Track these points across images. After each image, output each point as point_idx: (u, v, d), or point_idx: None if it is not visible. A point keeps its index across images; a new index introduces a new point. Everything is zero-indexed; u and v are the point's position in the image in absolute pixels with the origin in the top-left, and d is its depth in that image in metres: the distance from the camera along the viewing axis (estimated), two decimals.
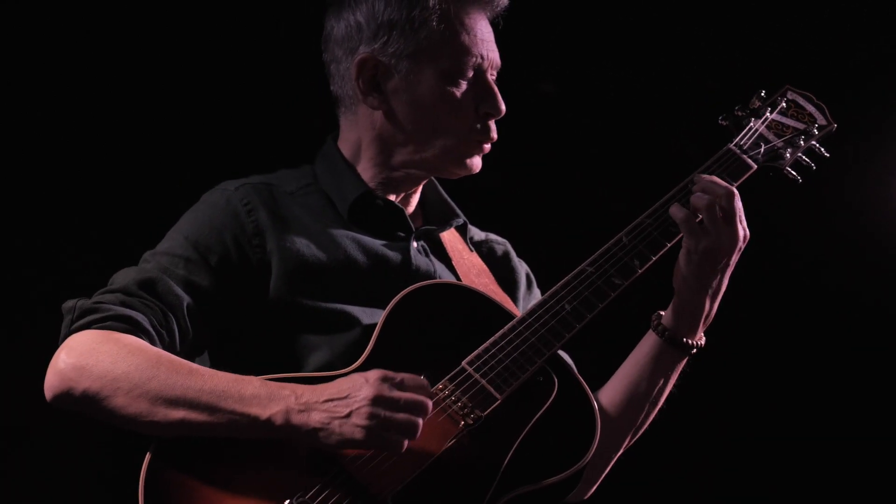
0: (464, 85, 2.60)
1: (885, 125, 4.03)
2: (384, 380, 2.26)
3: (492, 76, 2.64)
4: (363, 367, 2.38)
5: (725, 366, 4.01)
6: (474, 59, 2.59)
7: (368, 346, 2.42)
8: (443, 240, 2.72)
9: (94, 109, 3.73)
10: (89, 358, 2.31)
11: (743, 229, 2.54)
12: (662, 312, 2.62)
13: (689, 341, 2.59)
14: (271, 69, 3.81)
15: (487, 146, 2.65)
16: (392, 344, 2.43)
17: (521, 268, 2.85)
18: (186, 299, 2.44)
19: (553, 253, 3.24)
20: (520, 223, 3.68)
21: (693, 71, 4.13)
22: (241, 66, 3.82)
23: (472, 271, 2.69)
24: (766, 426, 4.35)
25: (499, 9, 2.65)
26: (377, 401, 2.24)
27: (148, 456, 2.29)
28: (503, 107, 2.62)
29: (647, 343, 2.63)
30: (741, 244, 2.54)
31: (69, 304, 2.41)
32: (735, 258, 2.56)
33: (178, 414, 2.28)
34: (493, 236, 2.87)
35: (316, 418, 2.25)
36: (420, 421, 2.26)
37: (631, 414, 2.64)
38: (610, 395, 2.65)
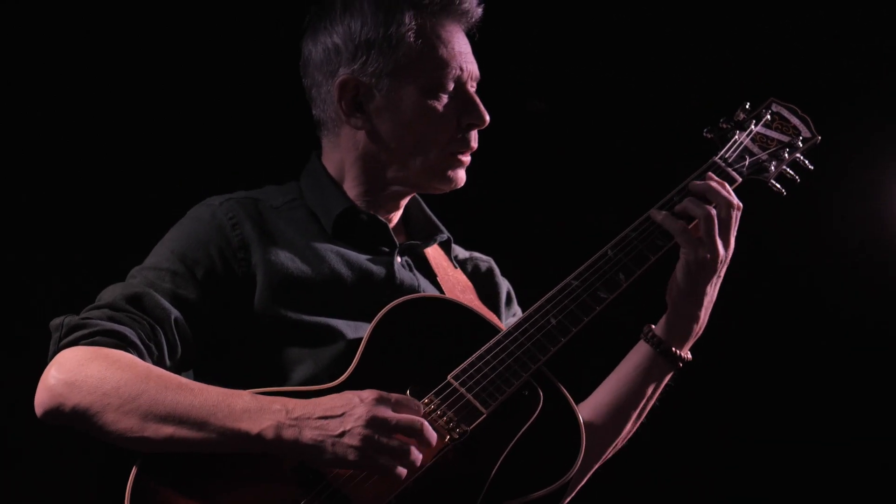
0: (445, 98, 2.61)
1: (874, 134, 4.05)
2: (380, 400, 2.27)
3: (472, 87, 2.65)
4: (349, 381, 2.39)
5: (715, 373, 4.02)
6: (454, 71, 2.60)
7: (354, 360, 2.42)
8: (427, 256, 2.73)
9: (83, 127, 3.74)
10: (79, 374, 2.30)
11: (732, 243, 2.57)
12: (654, 325, 2.64)
13: (680, 353, 2.61)
14: (259, 88, 3.82)
15: (467, 158, 2.65)
16: (378, 357, 2.43)
17: (503, 284, 2.86)
18: (174, 313, 2.44)
19: (537, 267, 3.26)
20: (504, 238, 3.71)
21: (678, 83, 4.16)
22: (229, 85, 3.83)
23: (457, 287, 2.70)
24: (758, 431, 4.37)
25: (474, 20, 2.66)
26: (371, 422, 2.24)
27: (134, 470, 2.29)
28: (487, 116, 2.63)
29: (638, 354, 2.64)
30: (729, 256, 2.57)
31: (57, 321, 2.41)
32: (724, 270, 2.58)
33: (168, 430, 2.28)
34: (477, 254, 2.88)
35: (308, 435, 2.25)
36: (412, 447, 2.25)
37: (615, 425, 2.64)
38: (595, 405, 2.65)
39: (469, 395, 2.39)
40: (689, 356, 2.63)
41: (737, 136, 2.74)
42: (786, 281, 4.32)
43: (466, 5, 2.62)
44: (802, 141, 2.77)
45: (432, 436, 2.29)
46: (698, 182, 2.58)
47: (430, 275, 2.70)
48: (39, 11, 3.67)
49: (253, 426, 2.26)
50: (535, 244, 4.10)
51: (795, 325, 4.34)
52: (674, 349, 2.60)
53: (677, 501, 4.40)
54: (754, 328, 4.33)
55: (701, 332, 2.63)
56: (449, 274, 2.72)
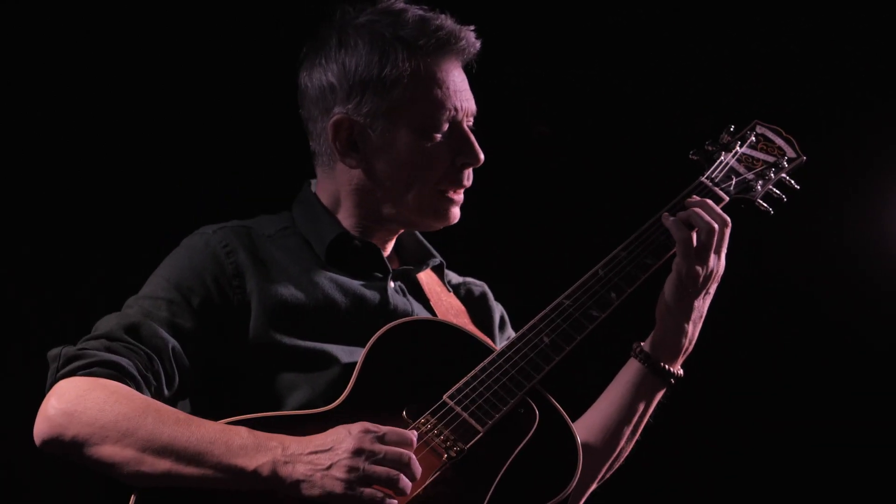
0: (439, 138, 2.61)
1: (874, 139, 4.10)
2: (366, 432, 2.27)
3: (468, 123, 2.66)
4: (345, 404, 2.41)
5: (715, 383, 4.06)
6: (448, 112, 2.61)
7: (350, 383, 2.44)
8: (420, 281, 2.75)
9: (84, 148, 3.77)
10: (77, 405, 2.31)
11: (723, 263, 2.61)
12: (642, 343, 2.66)
13: (671, 369, 2.63)
14: (253, 117, 3.85)
15: (460, 196, 2.67)
16: (373, 379, 2.45)
17: (497, 308, 2.88)
18: (171, 342, 2.46)
19: (534, 288, 3.27)
20: (498, 258, 3.73)
21: (664, 105, 4.19)
22: (222, 112, 3.86)
23: (451, 312, 2.72)
24: (756, 442, 4.36)
25: (471, 55, 2.67)
26: (358, 453, 2.24)
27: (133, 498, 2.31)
28: (481, 155, 2.64)
29: (629, 372, 2.66)
30: (720, 274, 2.62)
31: (54, 351, 2.42)
32: (714, 287, 2.62)
33: (165, 464, 2.29)
34: (470, 279, 2.90)
35: (300, 470, 2.25)
36: (403, 478, 2.26)
37: (609, 444, 2.66)
38: (589, 424, 2.67)
39: (465, 414, 2.41)
40: (681, 372, 2.65)
41: (723, 157, 2.78)
42: (785, 290, 4.32)
43: (463, 43, 2.63)
44: (788, 161, 2.81)
45: (417, 470, 2.29)
46: (693, 198, 2.62)
47: (423, 299, 2.72)
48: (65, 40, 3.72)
49: (249, 462, 2.27)
50: (530, 264, 4.12)
51: (795, 335, 4.34)
52: (663, 365, 2.62)
53: None
54: (754, 337, 4.33)
55: (691, 349, 2.65)
56: (442, 298, 2.75)
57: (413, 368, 2.48)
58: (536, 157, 4.18)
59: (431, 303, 2.72)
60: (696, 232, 2.57)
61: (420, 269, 2.75)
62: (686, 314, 2.60)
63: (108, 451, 2.29)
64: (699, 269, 2.57)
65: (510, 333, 2.87)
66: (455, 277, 2.87)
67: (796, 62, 4.15)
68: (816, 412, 4.28)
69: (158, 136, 3.82)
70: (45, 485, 3.55)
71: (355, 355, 2.50)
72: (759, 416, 4.32)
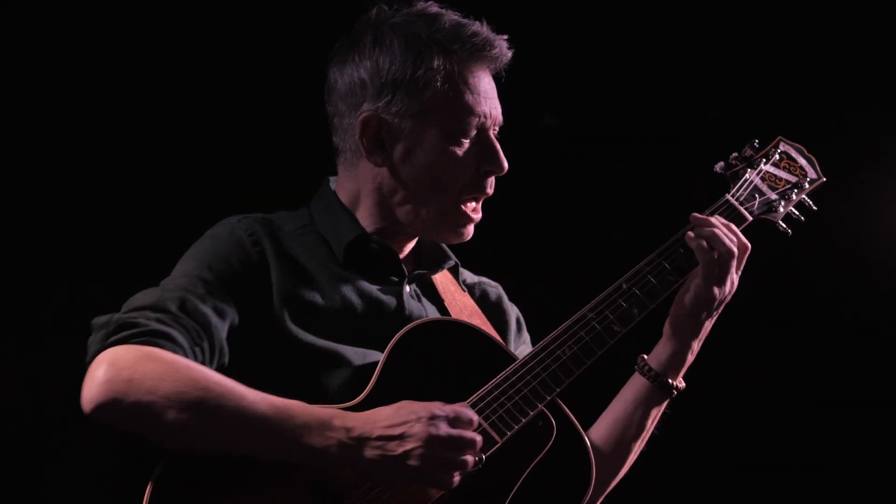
0: (466, 144, 2.61)
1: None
2: (436, 417, 2.30)
3: (494, 132, 2.65)
4: (365, 403, 2.40)
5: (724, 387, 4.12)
6: (478, 118, 2.60)
7: (371, 382, 2.44)
8: (434, 281, 2.74)
9: (105, 144, 3.74)
10: (136, 371, 2.28)
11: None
12: (646, 356, 2.68)
13: (675, 383, 2.66)
14: (273, 115, 3.82)
15: (478, 215, 2.67)
16: (395, 380, 2.45)
17: (512, 311, 2.88)
18: (214, 318, 2.44)
19: (548, 283, 3.28)
20: (515, 254, 3.73)
21: (691, 98, 4.19)
22: (240, 111, 3.82)
23: (464, 312, 2.72)
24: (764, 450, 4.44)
25: (502, 64, 2.66)
26: (430, 441, 2.28)
27: (149, 486, 2.28)
28: (506, 164, 2.64)
29: (635, 388, 2.69)
30: (731, 295, 2.64)
31: (102, 318, 2.38)
32: (721, 308, 2.65)
33: (231, 436, 2.29)
34: (485, 279, 2.90)
35: (369, 454, 2.28)
36: (470, 458, 2.31)
37: (618, 457, 2.69)
38: (597, 437, 2.69)
39: (485, 424, 2.42)
40: (683, 384, 2.69)
41: (748, 175, 2.79)
42: (798, 295, 4.37)
43: (496, 51, 2.62)
44: (809, 182, 2.83)
45: (479, 446, 2.35)
46: (716, 218, 2.64)
47: (438, 300, 2.71)
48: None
49: (317, 441, 2.28)
50: (546, 260, 4.13)
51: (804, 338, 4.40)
52: (669, 380, 2.66)
53: None
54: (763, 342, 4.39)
55: (689, 364, 2.68)
56: (456, 298, 2.74)
57: (433, 371, 2.48)
58: (550, 154, 4.16)
59: (446, 303, 2.71)
60: (718, 255, 2.59)
61: (435, 272, 2.74)
62: (696, 333, 2.64)
63: (170, 421, 2.26)
64: (717, 291, 2.60)
65: (526, 336, 2.88)
66: (470, 276, 2.86)
67: (814, 56, 4.17)
68: (827, 414, 4.36)
69: (176, 132, 3.79)
70: (62, 465, 3.54)
71: (368, 358, 2.51)
72: (769, 419, 4.38)
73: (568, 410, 2.53)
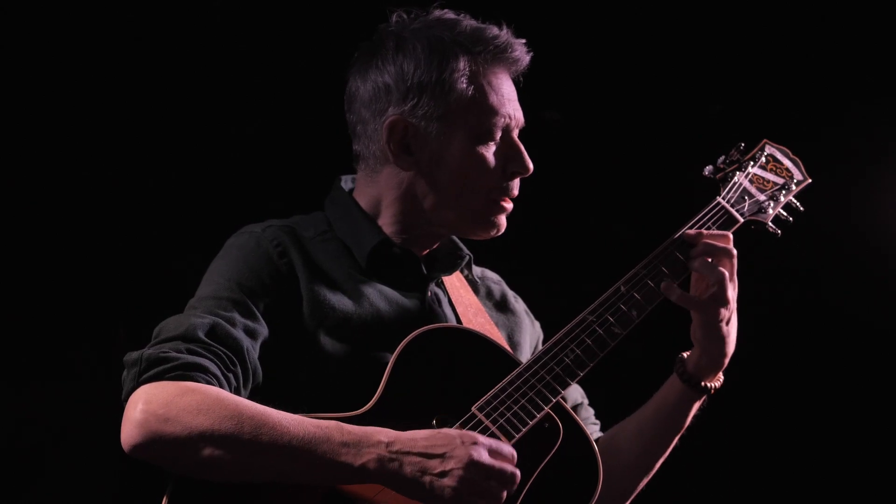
0: (493, 146, 2.63)
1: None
2: (478, 444, 2.32)
3: (517, 134, 2.68)
4: (374, 410, 2.42)
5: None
6: (503, 119, 2.63)
7: (378, 389, 2.45)
8: (443, 280, 2.76)
9: (117, 154, 3.75)
10: (171, 409, 2.28)
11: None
12: (686, 355, 2.70)
13: (709, 384, 2.68)
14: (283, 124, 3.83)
15: (510, 205, 2.69)
16: (403, 386, 2.47)
17: (519, 305, 2.91)
18: (246, 341, 2.44)
19: (550, 278, 3.28)
20: (519, 248, 3.73)
21: (692, 92, 4.22)
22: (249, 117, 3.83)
23: (470, 310, 2.75)
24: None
25: (521, 68, 2.69)
26: (471, 466, 2.29)
27: (165, 500, 2.31)
28: (531, 165, 2.67)
29: (671, 385, 2.71)
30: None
31: (134, 355, 2.38)
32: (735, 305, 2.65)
33: (268, 464, 2.29)
34: (488, 273, 2.93)
35: (408, 470, 2.29)
36: (505, 493, 2.32)
37: (652, 456, 2.72)
38: (633, 433, 2.73)
39: (493, 427, 2.44)
40: (720, 382, 2.70)
41: (737, 178, 2.84)
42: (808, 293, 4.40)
43: (517, 53, 2.65)
44: (796, 183, 2.89)
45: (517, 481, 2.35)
46: (706, 237, 2.64)
47: (449, 301, 2.73)
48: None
49: (355, 459, 2.29)
50: (547, 256, 4.16)
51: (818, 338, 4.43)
52: (705, 383, 2.68)
53: None
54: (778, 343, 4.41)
55: (730, 355, 2.68)
56: (462, 295, 2.77)
57: (441, 377, 2.51)
58: (564, 144, 4.18)
59: (453, 301, 2.74)
60: (721, 265, 2.61)
61: (451, 272, 2.77)
62: (721, 341, 2.64)
63: (208, 455, 2.27)
64: (722, 311, 2.60)
65: (538, 325, 2.92)
66: (474, 269, 2.88)
67: (810, 52, 4.21)
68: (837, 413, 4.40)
69: (184, 139, 3.80)
70: (70, 480, 3.52)
71: None
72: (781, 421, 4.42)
73: (573, 413, 2.57)
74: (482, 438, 2.34)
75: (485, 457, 2.31)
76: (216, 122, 3.80)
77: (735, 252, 2.64)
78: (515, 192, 2.70)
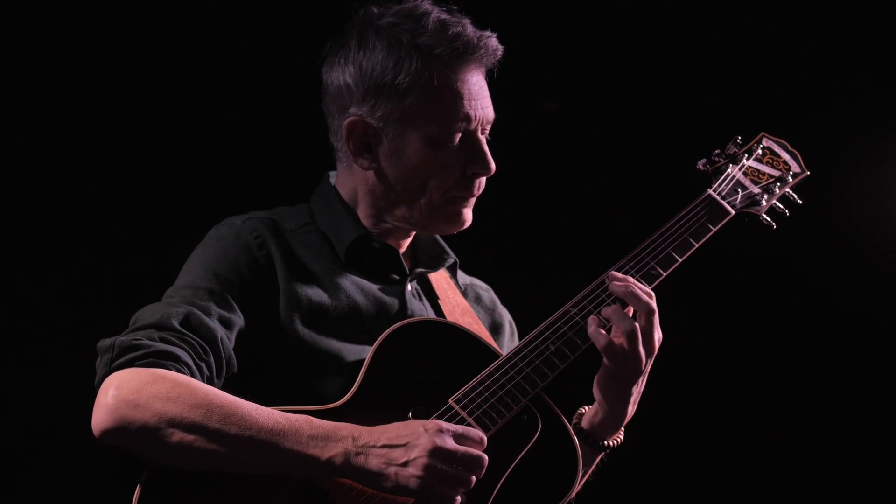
0: (450, 148, 2.61)
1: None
2: (441, 431, 2.32)
3: (483, 132, 2.65)
4: (352, 402, 2.43)
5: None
6: (462, 123, 2.61)
7: (356, 382, 2.46)
8: (430, 278, 2.77)
9: (101, 145, 3.78)
10: (141, 395, 2.31)
11: (658, 337, 2.53)
12: (585, 409, 2.64)
13: (608, 443, 2.63)
14: (270, 114, 3.86)
15: (472, 200, 2.68)
16: (380, 379, 2.47)
17: (505, 315, 2.91)
18: (220, 331, 2.46)
19: (546, 268, 3.26)
20: (499, 256, 3.73)
21: (687, 85, 4.19)
22: (238, 108, 3.86)
23: (457, 310, 2.75)
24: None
25: (492, 62, 2.66)
26: (435, 453, 2.29)
27: (138, 489, 2.32)
28: (493, 166, 2.64)
29: None
30: (656, 351, 2.56)
31: (107, 342, 2.40)
32: (650, 363, 2.56)
33: (235, 454, 2.30)
34: (477, 281, 2.93)
35: (373, 462, 2.30)
36: (474, 477, 2.31)
37: None
38: None
39: (470, 419, 2.44)
40: (621, 438, 2.65)
41: (730, 170, 2.81)
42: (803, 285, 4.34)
43: (482, 51, 2.62)
44: (793, 176, 2.85)
45: (484, 469, 2.34)
46: (619, 285, 2.54)
47: (433, 297, 2.74)
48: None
49: (322, 452, 2.30)
50: (534, 250, 4.14)
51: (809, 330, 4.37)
52: (601, 440, 2.62)
53: None
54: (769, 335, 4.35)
55: (630, 418, 2.62)
56: (449, 296, 2.77)
57: (419, 369, 2.51)
58: (560, 134, 4.17)
59: (439, 300, 2.74)
60: (634, 327, 2.49)
61: (434, 270, 2.77)
62: (625, 400, 2.57)
63: (176, 442, 2.30)
64: (630, 366, 2.51)
65: (517, 341, 2.89)
66: (462, 277, 2.89)
67: (814, 48, 4.17)
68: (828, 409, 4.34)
69: (171, 131, 3.83)
70: (53, 470, 3.57)
71: None
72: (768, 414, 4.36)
73: (554, 406, 2.54)
74: (447, 425, 2.33)
75: (448, 443, 2.30)
76: (202, 115, 3.83)
77: (655, 310, 2.52)
78: (478, 191, 2.68)
